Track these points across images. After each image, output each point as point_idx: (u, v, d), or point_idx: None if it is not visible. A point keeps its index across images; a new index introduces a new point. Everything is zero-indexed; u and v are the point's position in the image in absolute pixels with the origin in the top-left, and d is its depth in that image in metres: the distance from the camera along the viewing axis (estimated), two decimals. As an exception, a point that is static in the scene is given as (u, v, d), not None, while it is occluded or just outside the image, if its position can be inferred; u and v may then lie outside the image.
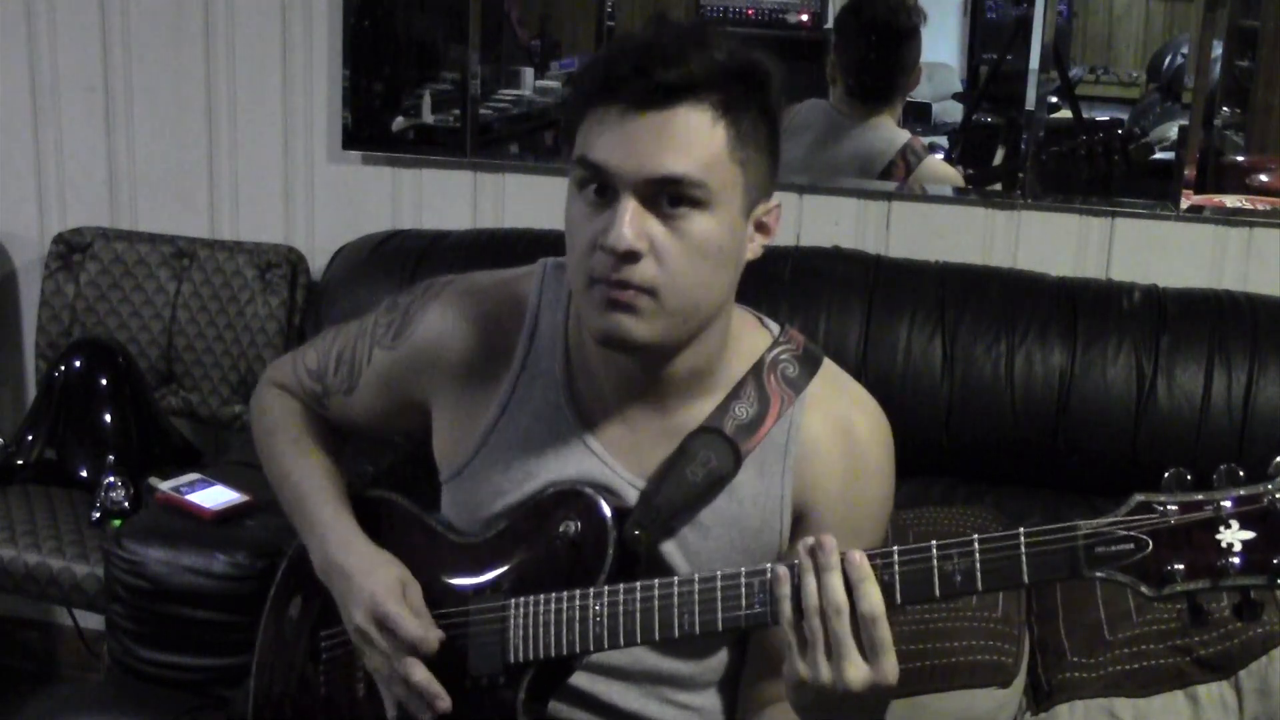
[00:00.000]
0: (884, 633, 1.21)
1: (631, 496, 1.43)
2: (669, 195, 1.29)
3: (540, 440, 1.47)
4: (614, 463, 1.45)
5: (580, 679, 1.47)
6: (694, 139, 1.29)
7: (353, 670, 1.55)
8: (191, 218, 2.81)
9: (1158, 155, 2.45)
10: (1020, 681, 1.89)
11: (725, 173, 1.31)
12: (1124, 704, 1.85)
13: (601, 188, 1.31)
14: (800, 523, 1.45)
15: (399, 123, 2.70)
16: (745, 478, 1.43)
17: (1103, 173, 2.45)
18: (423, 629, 1.43)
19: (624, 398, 1.44)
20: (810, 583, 1.23)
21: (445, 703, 1.42)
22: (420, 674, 1.42)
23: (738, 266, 1.38)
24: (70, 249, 2.76)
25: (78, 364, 2.59)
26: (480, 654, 1.43)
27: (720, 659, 1.52)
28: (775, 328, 1.50)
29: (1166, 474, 1.16)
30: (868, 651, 1.21)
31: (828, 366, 1.49)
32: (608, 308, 1.32)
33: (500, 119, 2.69)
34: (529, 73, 2.70)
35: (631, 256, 1.29)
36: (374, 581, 1.46)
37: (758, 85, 1.33)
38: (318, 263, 2.69)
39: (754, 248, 1.39)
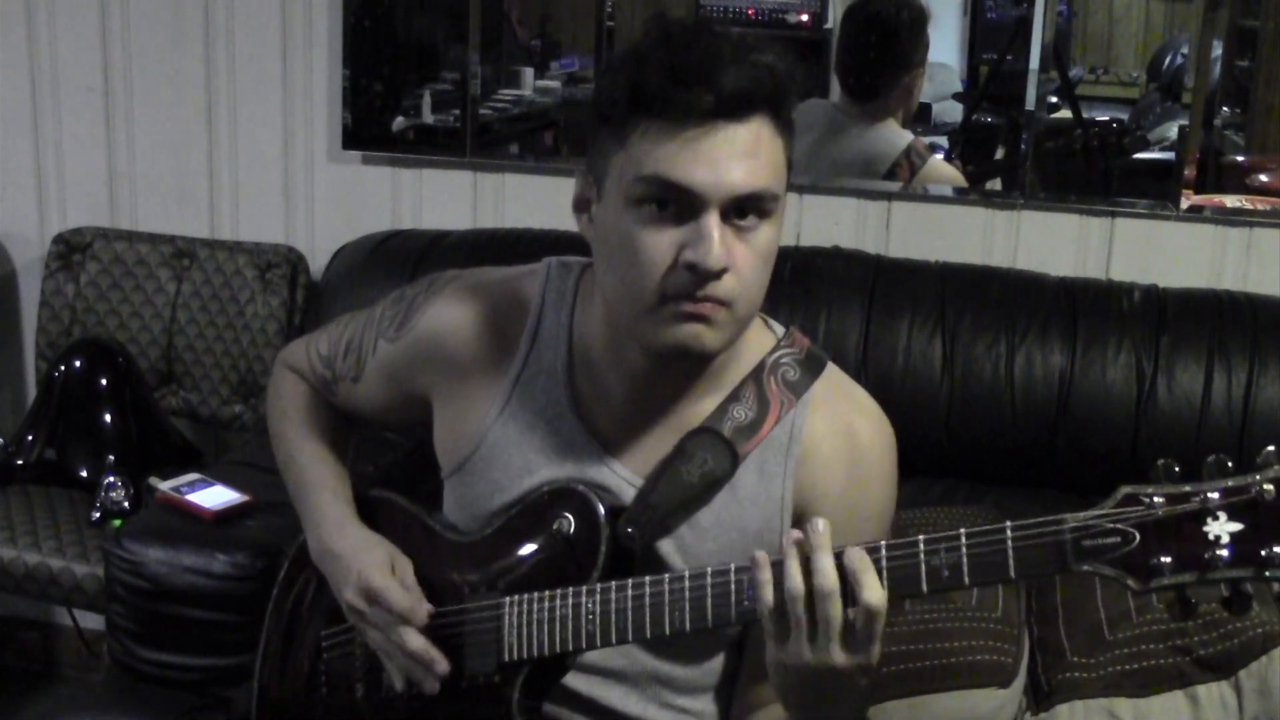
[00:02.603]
0: (880, 625, 1.21)
1: (628, 494, 1.43)
2: (740, 208, 1.28)
3: (540, 438, 1.47)
4: (613, 461, 1.45)
5: (578, 681, 1.47)
6: (765, 150, 1.28)
7: (353, 669, 1.56)
8: (191, 218, 2.81)
9: (1156, 155, 2.45)
10: (1020, 681, 1.89)
11: (784, 180, 1.32)
12: (1124, 704, 1.85)
13: (664, 203, 1.28)
14: (800, 526, 1.44)
15: (399, 123, 2.70)
16: (745, 478, 1.43)
17: (1100, 170, 2.45)
18: (411, 601, 1.44)
19: (630, 397, 1.44)
20: (794, 567, 1.22)
21: (443, 666, 1.42)
22: (416, 642, 1.42)
23: None
24: (70, 249, 2.76)
25: (78, 364, 2.59)
26: (475, 652, 1.43)
27: (717, 663, 1.52)
28: (780, 329, 1.50)
29: (1154, 466, 1.16)
30: (859, 639, 1.21)
31: (831, 370, 1.49)
32: (683, 320, 1.30)
33: (500, 119, 2.69)
34: (529, 73, 2.70)
35: (720, 273, 1.28)
36: (361, 560, 1.48)
37: (795, 91, 1.32)
38: (318, 263, 2.69)
39: None
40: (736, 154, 1.26)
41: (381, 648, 1.47)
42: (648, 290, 1.30)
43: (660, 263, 1.28)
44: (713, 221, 1.27)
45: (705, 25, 1.32)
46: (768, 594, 1.24)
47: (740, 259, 1.29)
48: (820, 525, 1.23)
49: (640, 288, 1.30)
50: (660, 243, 1.28)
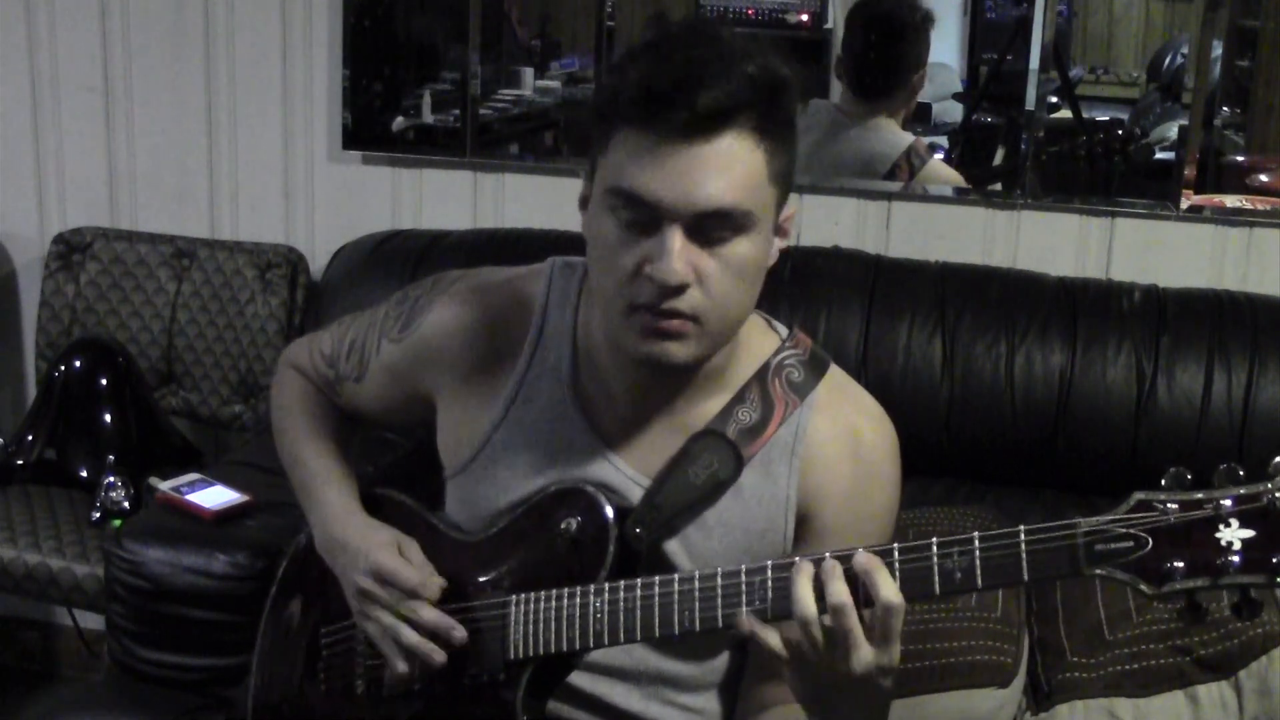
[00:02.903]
0: (899, 622, 1.21)
1: (635, 495, 1.43)
2: (708, 223, 1.28)
3: (545, 438, 1.47)
4: (619, 460, 1.45)
5: (582, 680, 1.47)
6: (738, 167, 1.27)
7: (353, 668, 1.55)
8: (191, 218, 2.81)
9: (1158, 155, 2.45)
10: (1020, 681, 1.89)
11: (764, 194, 1.31)
12: (1124, 704, 1.85)
13: (632, 214, 1.28)
14: (805, 526, 1.45)
15: (399, 123, 2.70)
16: (750, 479, 1.43)
17: (1103, 173, 2.45)
18: (422, 575, 1.44)
19: (633, 397, 1.44)
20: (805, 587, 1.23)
21: (460, 633, 1.42)
22: (429, 612, 1.43)
23: (764, 275, 1.37)
24: (70, 249, 2.76)
25: (78, 364, 2.59)
26: (481, 651, 1.43)
27: (722, 661, 1.52)
28: (783, 330, 1.50)
29: (1166, 473, 1.16)
30: (878, 640, 1.21)
31: (834, 372, 1.49)
32: (651, 335, 1.30)
33: (500, 119, 2.69)
34: (529, 73, 2.70)
35: (680, 288, 1.28)
36: (369, 545, 1.48)
37: (788, 97, 1.31)
38: (318, 263, 2.69)
39: (773, 253, 1.38)
40: (706, 171, 1.26)
41: (387, 630, 1.45)
42: (617, 296, 1.31)
43: (627, 271, 1.29)
44: (674, 237, 1.26)
45: (700, 31, 1.31)
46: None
47: (708, 273, 1.29)
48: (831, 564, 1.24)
49: (610, 292, 1.32)
50: (626, 249, 1.29)
